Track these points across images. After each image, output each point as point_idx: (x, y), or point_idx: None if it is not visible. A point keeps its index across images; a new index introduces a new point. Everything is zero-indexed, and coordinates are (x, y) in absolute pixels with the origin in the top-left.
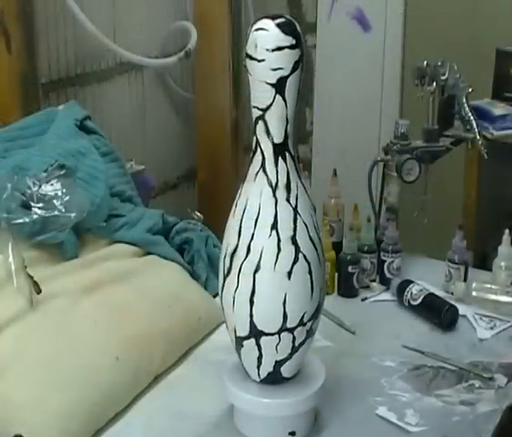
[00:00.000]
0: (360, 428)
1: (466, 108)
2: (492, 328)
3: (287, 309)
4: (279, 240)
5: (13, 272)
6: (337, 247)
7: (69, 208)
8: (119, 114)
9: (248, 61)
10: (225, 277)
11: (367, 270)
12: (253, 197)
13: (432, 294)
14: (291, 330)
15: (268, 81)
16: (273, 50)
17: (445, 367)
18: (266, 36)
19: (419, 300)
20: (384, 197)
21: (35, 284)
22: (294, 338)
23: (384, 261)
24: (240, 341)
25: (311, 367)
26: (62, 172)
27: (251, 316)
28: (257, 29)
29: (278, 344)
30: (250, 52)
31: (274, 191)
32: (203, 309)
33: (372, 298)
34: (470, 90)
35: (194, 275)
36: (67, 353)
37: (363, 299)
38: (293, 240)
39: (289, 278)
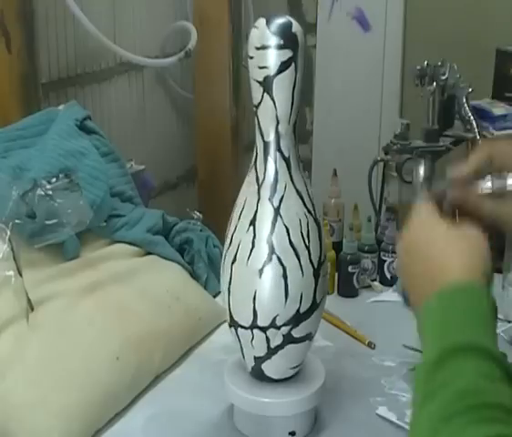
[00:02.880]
0: (360, 428)
1: (466, 108)
2: None
3: (256, 307)
4: (254, 236)
5: (12, 275)
6: (337, 247)
7: (71, 214)
8: (119, 114)
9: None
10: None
11: (369, 270)
12: (243, 190)
13: None
14: (263, 330)
15: (256, 79)
16: (259, 49)
17: None
18: (255, 34)
19: None
20: (384, 197)
21: (29, 301)
22: (268, 338)
23: (385, 261)
24: (230, 327)
25: (311, 367)
26: (65, 178)
27: (229, 305)
28: (253, 27)
29: (252, 340)
30: (248, 49)
31: (259, 188)
32: (203, 309)
33: (372, 297)
34: (470, 90)
35: (194, 275)
36: (67, 353)
37: (363, 299)
38: (268, 240)
39: (260, 275)
